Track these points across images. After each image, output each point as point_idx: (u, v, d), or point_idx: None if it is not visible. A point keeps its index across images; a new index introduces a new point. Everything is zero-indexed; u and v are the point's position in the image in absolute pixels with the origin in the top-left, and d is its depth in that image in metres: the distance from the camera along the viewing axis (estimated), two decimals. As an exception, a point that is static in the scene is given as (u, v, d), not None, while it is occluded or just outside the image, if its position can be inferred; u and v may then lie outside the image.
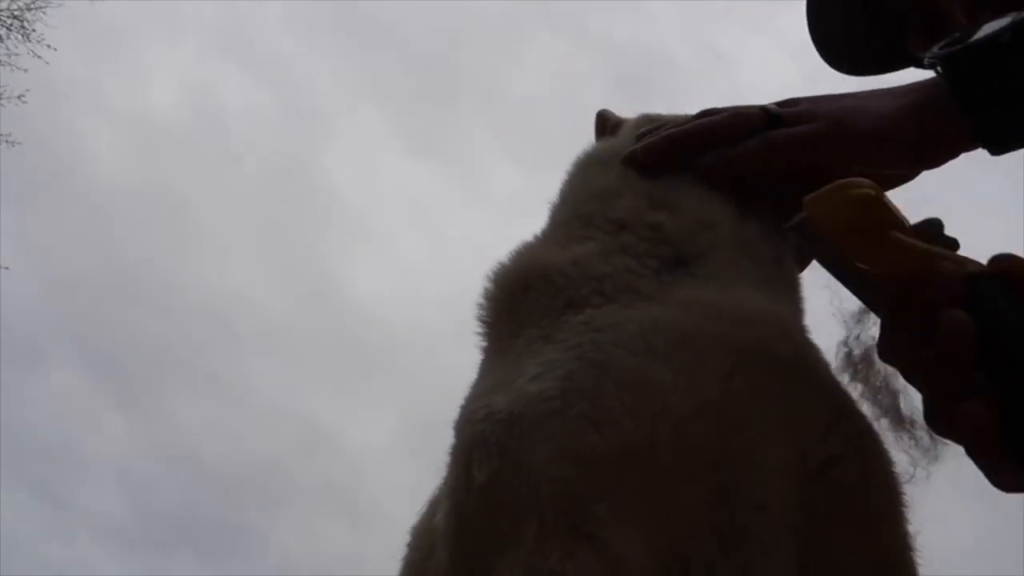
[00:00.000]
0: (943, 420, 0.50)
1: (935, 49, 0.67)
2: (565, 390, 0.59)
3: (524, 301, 0.70)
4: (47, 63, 10.02)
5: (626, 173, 0.76)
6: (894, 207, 0.55)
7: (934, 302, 0.49)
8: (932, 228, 0.55)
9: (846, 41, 0.91)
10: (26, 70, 9.93)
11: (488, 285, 0.75)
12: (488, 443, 0.60)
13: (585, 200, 0.77)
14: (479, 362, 0.74)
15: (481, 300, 0.75)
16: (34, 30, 9.95)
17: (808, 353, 0.65)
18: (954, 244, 0.54)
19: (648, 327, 0.62)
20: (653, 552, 0.54)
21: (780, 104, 0.75)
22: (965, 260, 0.53)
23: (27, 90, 9.96)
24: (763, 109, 0.75)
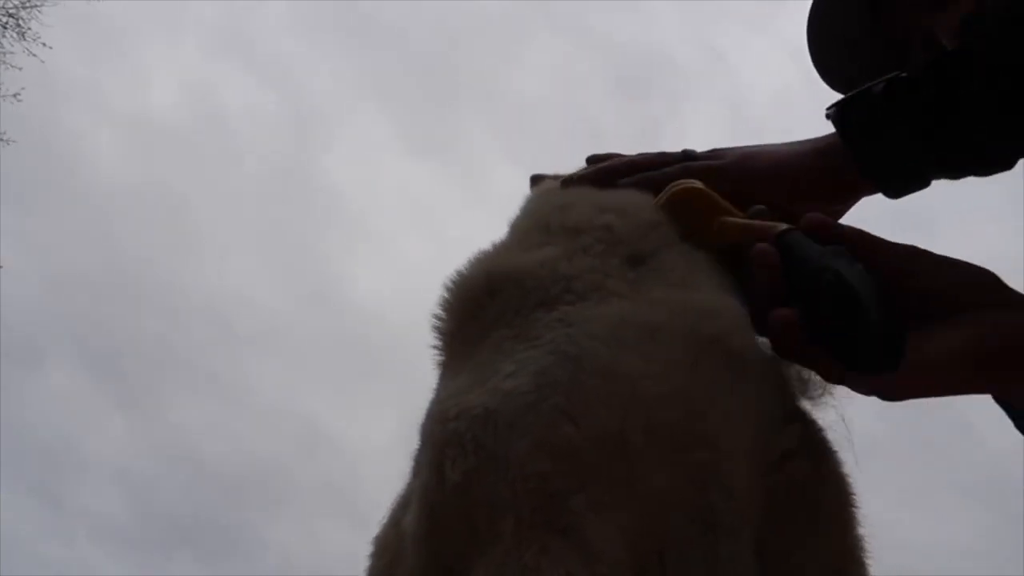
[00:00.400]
0: (762, 323, 0.63)
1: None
2: (540, 384, 0.59)
3: (492, 306, 0.70)
4: (42, 61, 10.02)
5: (575, 190, 0.83)
6: (722, 201, 0.73)
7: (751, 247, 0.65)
8: (759, 213, 0.70)
9: (849, 62, 0.98)
10: (21, 68, 9.93)
11: (446, 295, 0.74)
12: (463, 440, 0.59)
13: (544, 211, 0.80)
14: (439, 374, 0.73)
15: (438, 311, 0.74)
16: (29, 28, 9.95)
17: (761, 347, 0.66)
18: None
19: (618, 321, 0.63)
20: (628, 541, 0.55)
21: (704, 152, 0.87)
22: (778, 223, 0.67)
23: (23, 88, 9.97)
24: (683, 151, 0.86)
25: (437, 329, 0.74)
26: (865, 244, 0.64)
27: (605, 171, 0.86)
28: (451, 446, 0.60)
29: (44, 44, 10.02)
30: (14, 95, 9.95)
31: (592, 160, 0.90)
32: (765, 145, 0.84)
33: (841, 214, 0.85)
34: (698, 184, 0.74)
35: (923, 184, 0.80)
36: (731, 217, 0.71)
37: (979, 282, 0.64)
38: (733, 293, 0.71)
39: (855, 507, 0.64)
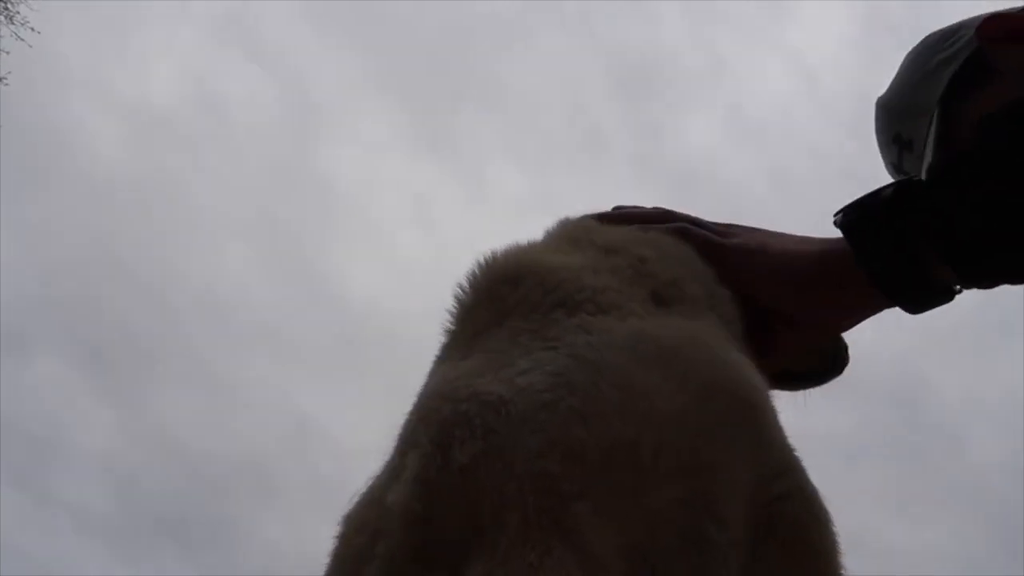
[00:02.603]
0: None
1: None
2: (556, 384, 0.61)
3: (513, 294, 0.72)
4: (30, 46, 9.94)
5: (611, 224, 0.85)
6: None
7: None
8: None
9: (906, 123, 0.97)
10: (8, 52, 9.85)
11: (475, 271, 0.77)
12: (473, 423, 0.60)
13: (579, 229, 0.84)
14: (446, 342, 0.76)
15: (463, 283, 0.77)
16: (18, 12, 9.86)
17: (772, 405, 0.69)
18: None
19: (639, 337, 0.65)
20: (624, 551, 0.56)
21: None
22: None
23: (8, 72, 9.88)
24: (692, 217, 0.87)
25: (457, 299, 0.77)
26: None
27: (636, 214, 0.87)
28: (460, 427, 0.60)
29: (32, 29, 9.93)
30: (1, 79, 9.87)
31: (616, 209, 0.91)
32: (777, 235, 0.81)
33: (851, 325, 0.83)
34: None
35: (945, 296, 0.75)
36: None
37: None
38: (749, 357, 0.73)
39: (840, 556, 0.65)
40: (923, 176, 0.79)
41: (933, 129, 0.92)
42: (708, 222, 0.86)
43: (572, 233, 0.83)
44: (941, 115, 0.92)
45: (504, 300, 0.72)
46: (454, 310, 0.77)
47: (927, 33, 1.02)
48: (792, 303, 0.78)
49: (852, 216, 0.74)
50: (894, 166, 1.01)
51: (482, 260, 0.78)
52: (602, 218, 0.88)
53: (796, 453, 0.68)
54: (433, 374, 0.74)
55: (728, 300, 0.78)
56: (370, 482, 0.71)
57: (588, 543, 0.55)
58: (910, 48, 1.03)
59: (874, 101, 1.05)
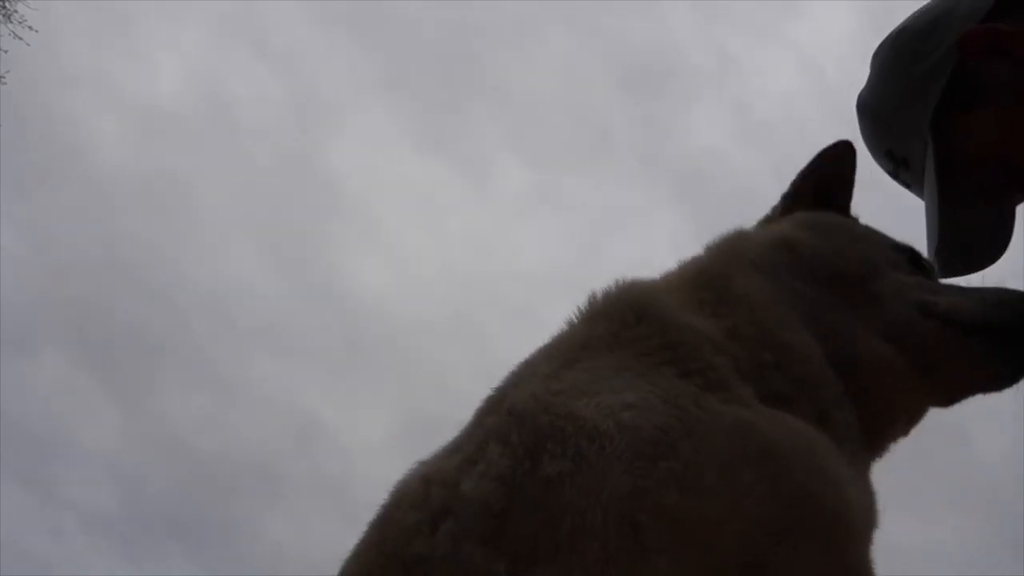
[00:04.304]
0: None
1: None
2: (658, 441, 0.64)
3: (634, 327, 0.77)
4: (28, 44, 9.96)
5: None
6: None
7: None
8: None
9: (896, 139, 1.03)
10: (7, 51, 9.88)
11: (612, 287, 0.83)
12: (566, 443, 0.64)
13: (720, 282, 0.86)
14: (560, 335, 0.79)
15: (597, 292, 0.82)
16: (16, 11, 9.88)
17: (861, 525, 0.71)
18: None
19: (748, 429, 0.69)
20: None
21: None
22: None
23: (7, 71, 9.92)
24: None
25: (586, 303, 0.82)
26: None
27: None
28: (554, 441, 0.64)
29: (31, 28, 9.95)
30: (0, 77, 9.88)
31: None
32: None
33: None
34: None
35: None
36: None
37: None
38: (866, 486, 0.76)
39: None
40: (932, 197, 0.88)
41: (930, 153, 0.94)
42: None
43: (717, 286, 0.85)
44: (936, 137, 0.94)
45: (624, 328, 0.77)
46: (579, 311, 0.82)
47: (895, 26, 1.01)
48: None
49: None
50: (890, 174, 1.06)
51: (622, 281, 0.83)
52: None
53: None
54: (533, 368, 0.77)
55: (849, 410, 0.80)
56: (427, 459, 0.73)
57: None
58: (881, 41, 1.03)
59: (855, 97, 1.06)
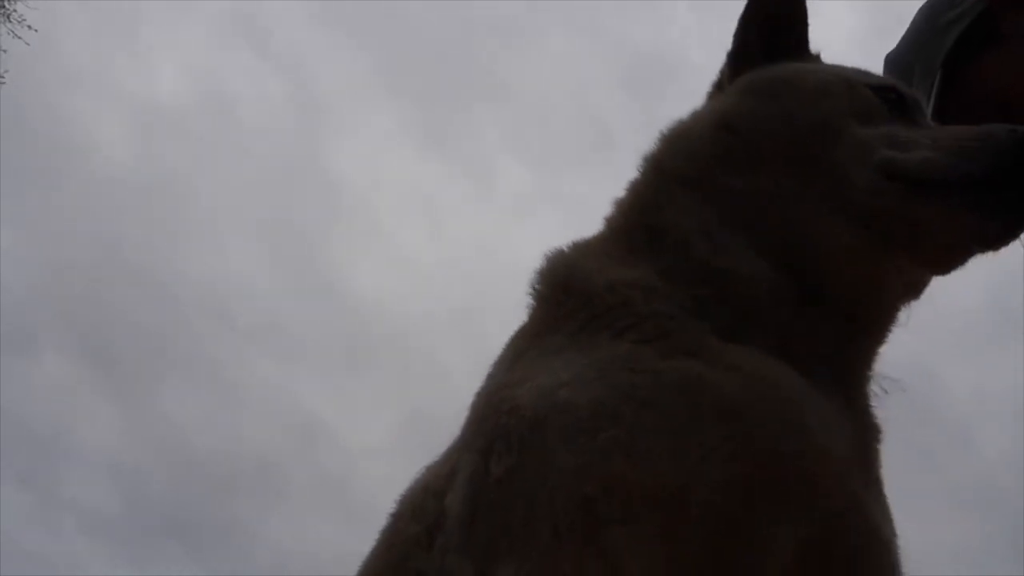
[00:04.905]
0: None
1: None
2: (597, 413, 0.62)
3: (564, 303, 0.74)
4: (28, 44, 9.95)
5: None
6: None
7: None
8: None
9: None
10: (6, 51, 9.87)
11: (543, 267, 0.79)
12: (510, 438, 0.63)
13: (650, 217, 0.79)
14: (518, 330, 0.78)
15: (535, 281, 0.79)
16: (15, 11, 9.86)
17: (840, 458, 0.67)
18: None
19: (698, 384, 0.64)
20: None
21: None
22: None
23: (6, 71, 9.90)
24: None
25: (532, 295, 0.79)
26: None
27: None
28: (501, 440, 0.64)
29: (30, 27, 9.93)
30: (-1, 76, 9.87)
31: None
32: None
33: None
34: None
35: None
36: None
37: None
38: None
39: None
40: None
41: (936, 86, 0.94)
42: None
43: (647, 223, 0.78)
44: (945, 76, 0.94)
45: (559, 306, 0.74)
46: (529, 300, 0.79)
47: None
48: None
49: None
50: None
51: (546, 257, 0.79)
52: None
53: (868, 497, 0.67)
54: (498, 365, 0.76)
55: (815, 322, 0.73)
56: (431, 465, 0.74)
57: (622, 565, 0.58)
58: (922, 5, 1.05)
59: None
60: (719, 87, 0.87)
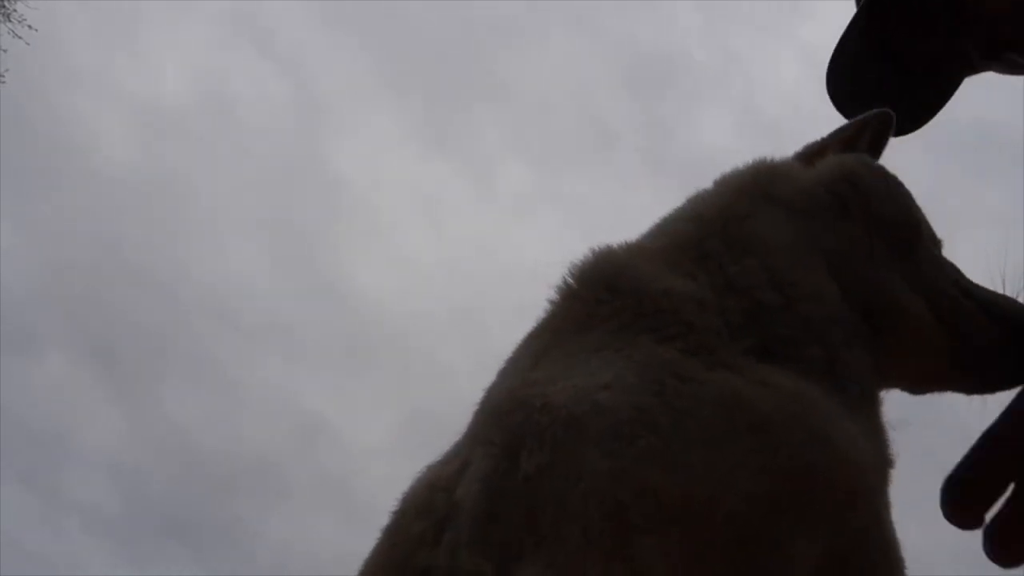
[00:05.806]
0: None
1: None
2: (636, 419, 0.61)
3: (608, 302, 0.73)
4: (27, 44, 9.96)
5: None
6: None
7: None
8: None
9: (875, 99, 0.98)
10: (6, 51, 9.88)
11: (583, 263, 0.78)
12: (543, 436, 0.62)
13: (709, 241, 0.79)
14: (537, 326, 0.76)
15: (570, 275, 0.78)
16: (15, 10, 9.86)
17: (873, 486, 0.68)
18: None
19: (735, 399, 0.65)
20: None
21: None
22: None
23: (6, 70, 9.92)
24: None
25: (561, 286, 0.77)
26: None
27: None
28: (531, 436, 0.62)
29: (30, 27, 9.94)
30: (-1, 75, 9.88)
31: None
32: None
33: None
34: None
35: None
36: None
37: None
38: (873, 437, 0.72)
39: None
40: None
41: None
42: None
43: (727, 232, 0.78)
44: None
45: (598, 304, 0.73)
46: (555, 296, 0.78)
47: None
48: None
49: None
50: None
51: (591, 254, 0.78)
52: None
53: (884, 533, 0.67)
54: (515, 361, 0.75)
55: (862, 348, 0.76)
56: (434, 462, 0.72)
57: (651, 574, 0.57)
58: None
59: None
60: (811, 154, 0.92)
